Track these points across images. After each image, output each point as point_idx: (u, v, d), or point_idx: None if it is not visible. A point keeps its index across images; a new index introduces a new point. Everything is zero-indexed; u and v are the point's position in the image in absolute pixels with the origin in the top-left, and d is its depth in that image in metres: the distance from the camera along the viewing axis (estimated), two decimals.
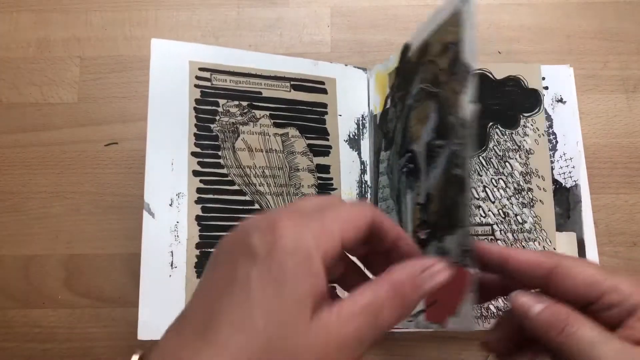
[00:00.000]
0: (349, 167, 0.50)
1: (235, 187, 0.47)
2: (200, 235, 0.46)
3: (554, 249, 0.48)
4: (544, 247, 0.49)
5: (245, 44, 0.56)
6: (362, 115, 0.52)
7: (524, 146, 0.51)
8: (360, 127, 0.51)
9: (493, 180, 0.50)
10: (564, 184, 0.50)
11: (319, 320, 0.24)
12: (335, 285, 0.33)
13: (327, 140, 0.50)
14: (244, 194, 0.47)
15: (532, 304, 0.29)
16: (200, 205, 0.46)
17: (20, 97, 0.55)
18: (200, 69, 0.48)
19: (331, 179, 0.49)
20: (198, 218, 0.46)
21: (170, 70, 0.47)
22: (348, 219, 0.26)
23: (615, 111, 0.54)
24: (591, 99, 0.54)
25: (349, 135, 0.51)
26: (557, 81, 0.52)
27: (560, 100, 0.52)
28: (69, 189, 0.53)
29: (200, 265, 0.45)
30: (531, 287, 0.31)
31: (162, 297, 0.44)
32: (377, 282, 0.26)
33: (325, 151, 0.50)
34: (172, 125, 0.47)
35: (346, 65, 0.52)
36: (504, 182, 0.50)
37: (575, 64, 0.54)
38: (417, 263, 0.28)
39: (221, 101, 0.48)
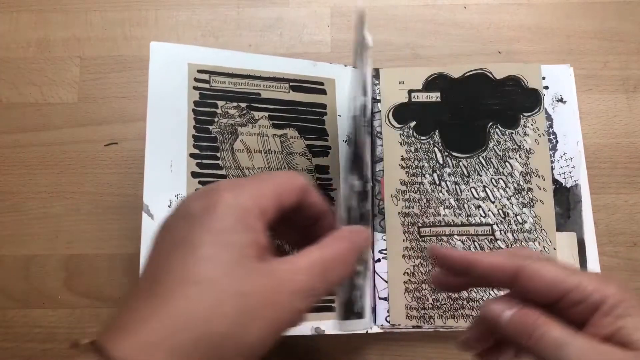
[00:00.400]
0: None
1: None
2: None
3: (554, 249, 0.49)
4: (544, 247, 0.49)
5: (245, 44, 0.56)
6: None
7: (524, 146, 0.51)
8: None
9: (493, 180, 0.50)
10: (564, 184, 0.50)
11: (269, 268, 0.25)
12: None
13: (327, 140, 0.50)
14: None
15: (502, 311, 0.30)
16: None
17: (20, 97, 0.55)
18: (199, 71, 0.48)
19: (330, 179, 0.49)
20: None
21: (169, 72, 0.47)
22: (281, 182, 0.29)
23: (615, 111, 0.54)
24: (591, 99, 0.54)
25: (349, 136, 0.51)
26: (558, 81, 0.52)
27: (561, 100, 0.52)
28: (69, 189, 0.53)
29: None
30: (498, 288, 0.32)
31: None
32: (324, 242, 0.28)
33: (324, 152, 0.50)
34: (170, 127, 0.47)
35: (345, 65, 0.52)
36: (504, 182, 0.50)
37: (575, 64, 0.54)
38: (350, 227, 0.32)
39: (220, 103, 0.48)
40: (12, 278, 0.51)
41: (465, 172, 0.50)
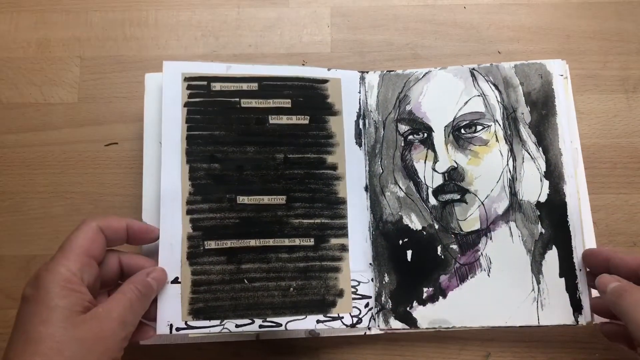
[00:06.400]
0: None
1: None
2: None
3: None
4: None
5: (245, 44, 0.56)
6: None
7: None
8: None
9: None
10: None
11: (93, 316, 0.36)
12: None
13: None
14: None
15: (609, 283, 0.41)
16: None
17: (20, 97, 0.55)
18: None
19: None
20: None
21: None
22: (79, 240, 0.40)
23: (615, 111, 0.54)
24: (591, 99, 0.54)
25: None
26: None
27: None
28: (69, 189, 0.53)
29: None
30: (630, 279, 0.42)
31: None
32: (124, 288, 0.40)
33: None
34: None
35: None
36: None
37: (575, 64, 0.54)
38: (144, 271, 0.42)
39: None
40: (12, 278, 0.51)
41: None
